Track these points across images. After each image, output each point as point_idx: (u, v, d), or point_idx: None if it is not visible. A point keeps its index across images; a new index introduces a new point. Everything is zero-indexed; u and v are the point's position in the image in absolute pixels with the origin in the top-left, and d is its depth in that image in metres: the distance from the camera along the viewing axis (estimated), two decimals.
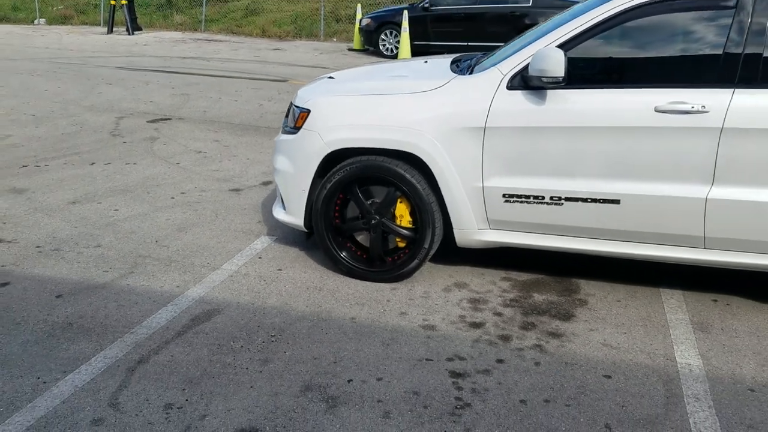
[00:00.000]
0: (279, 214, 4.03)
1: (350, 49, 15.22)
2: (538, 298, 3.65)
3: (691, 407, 2.70)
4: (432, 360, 3.01)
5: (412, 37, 12.91)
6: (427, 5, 13.08)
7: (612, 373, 2.94)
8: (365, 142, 3.58)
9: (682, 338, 3.23)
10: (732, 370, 2.97)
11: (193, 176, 5.79)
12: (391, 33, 13.59)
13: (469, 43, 12.06)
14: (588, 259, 4.02)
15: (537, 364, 3.01)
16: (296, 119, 3.81)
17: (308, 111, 3.75)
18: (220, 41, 16.77)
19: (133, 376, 2.84)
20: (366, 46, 14.45)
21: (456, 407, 2.68)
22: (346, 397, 2.74)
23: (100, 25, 20.76)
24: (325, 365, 2.96)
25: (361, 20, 14.47)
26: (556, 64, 3.16)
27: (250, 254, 4.16)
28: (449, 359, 3.02)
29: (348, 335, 3.21)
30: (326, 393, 2.76)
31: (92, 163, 6.15)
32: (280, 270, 3.94)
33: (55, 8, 23.72)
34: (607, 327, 3.34)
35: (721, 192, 3.17)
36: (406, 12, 12.87)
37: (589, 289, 3.76)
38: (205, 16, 19.71)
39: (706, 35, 3.20)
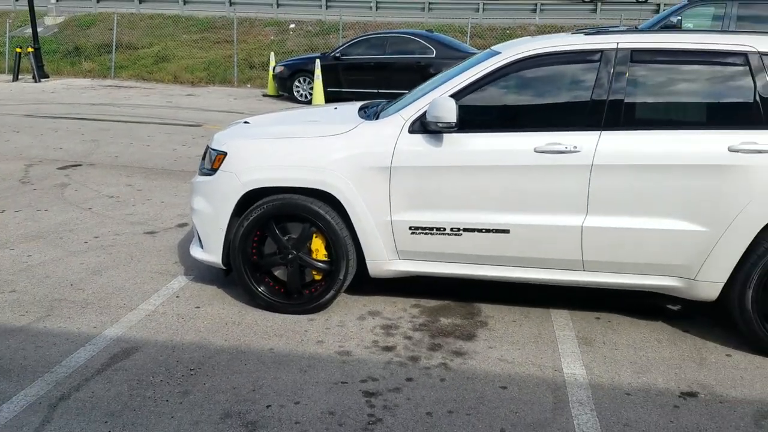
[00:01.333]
0: (197, 252, 4.17)
1: (265, 95, 15.47)
2: (444, 321, 3.96)
3: (575, 411, 3.05)
4: (347, 382, 3.23)
5: (325, 84, 13.35)
6: (338, 55, 13.59)
7: (507, 385, 3.26)
8: (281, 182, 3.83)
9: (569, 352, 3.60)
10: (611, 377, 3.35)
11: (106, 221, 5.80)
12: (304, 80, 13.97)
13: (380, 90, 12.59)
14: (488, 285, 4.37)
15: (442, 380, 3.29)
16: (213, 161, 4.01)
17: (225, 153, 3.96)
18: (131, 87, 16.61)
19: (55, 412, 2.90)
20: (280, 92, 14.76)
21: (369, 423, 2.90)
22: (264, 421, 2.90)
23: (5, 72, 20.07)
24: (244, 393, 3.12)
25: (274, 68, 14.80)
26: (449, 112, 3.54)
27: (167, 294, 4.26)
28: (363, 381, 3.25)
29: (266, 365, 3.39)
30: (245, 419, 2.92)
31: (2, 211, 6.05)
32: (198, 307, 4.07)
33: None
34: (504, 344, 3.68)
35: (594, 220, 3.61)
36: (318, 60, 13.32)
37: (489, 311, 4.11)
38: (115, 62, 19.47)
39: (576, 85, 3.68)
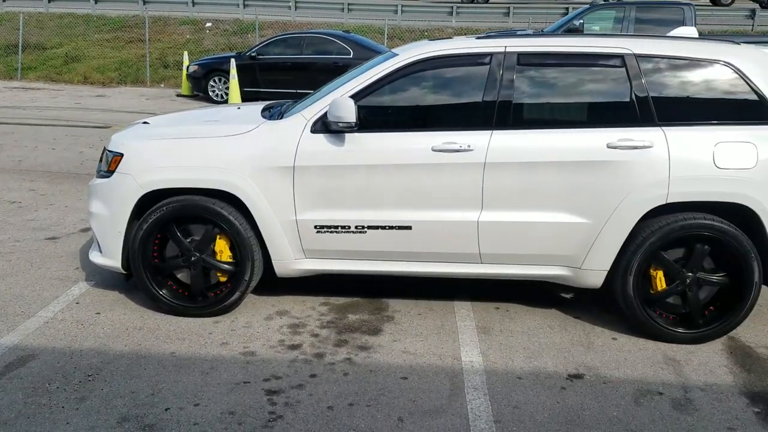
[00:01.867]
0: (96, 257, 4.08)
1: (179, 95, 15.12)
2: (351, 318, 4.04)
3: (470, 396, 3.19)
4: (249, 382, 3.26)
5: (242, 84, 13.18)
6: (254, 54, 13.46)
7: (408, 375, 3.37)
8: (181, 183, 3.80)
9: (468, 341, 3.76)
10: (506, 363, 3.52)
11: (6, 227, 5.56)
12: (219, 80, 13.76)
13: (298, 91, 12.55)
14: (396, 280, 4.48)
15: (345, 374, 3.37)
16: (110, 163, 3.93)
17: (121, 155, 3.90)
18: (38, 89, 15.85)
19: None
20: (195, 92, 14.46)
21: (269, 420, 2.94)
22: (162, 424, 2.89)
23: None
24: (143, 397, 3.09)
25: (188, 67, 14.49)
26: (349, 112, 3.62)
27: (67, 300, 4.15)
28: (266, 380, 3.29)
29: (167, 368, 3.36)
30: (143, 422, 2.90)
31: None
32: (98, 313, 3.98)
33: None
34: (407, 337, 3.80)
35: (489, 215, 3.78)
36: (233, 60, 13.14)
37: (396, 306, 4.22)
38: (22, 63, 18.51)
39: (469, 87, 3.84)
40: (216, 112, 4.53)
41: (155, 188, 3.81)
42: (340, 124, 3.68)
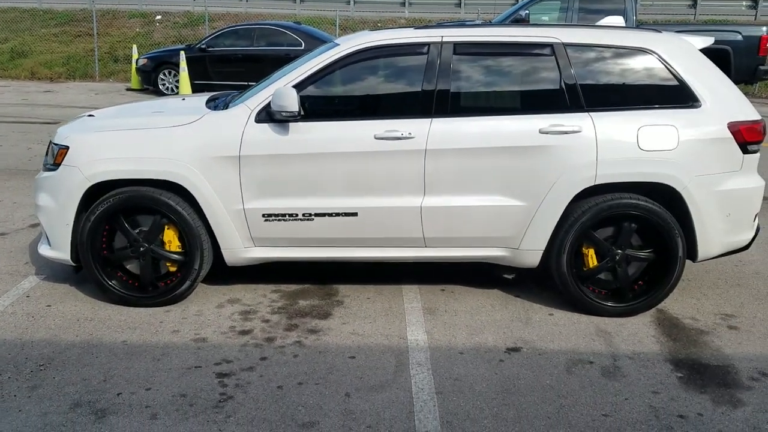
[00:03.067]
0: (45, 250, 4.10)
1: (129, 89, 14.92)
2: (302, 303, 4.16)
3: (414, 371, 3.35)
4: (201, 367, 3.35)
5: (193, 77, 13.09)
6: (203, 46, 13.37)
7: (356, 354, 3.52)
8: (127, 174, 3.85)
9: (414, 321, 3.92)
10: (448, 340, 3.70)
11: None
12: (169, 73, 13.62)
13: (249, 83, 12.50)
14: (347, 266, 4.62)
15: (295, 356, 3.49)
16: (55, 156, 3.95)
17: (67, 147, 3.92)
18: None
19: None
20: (145, 86, 14.30)
21: (219, 401, 3.05)
22: (115, 408, 2.97)
23: None
24: (95, 384, 3.16)
25: (137, 60, 14.30)
26: (291, 101, 3.73)
27: (17, 294, 4.16)
28: (217, 363, 3.39)
29: (119, 356, 3.43)
30: (95, 407, 2.97)
31: None
32: (49, 306, 4.01)
33: None
34: (356, 319, 3.94)
35: (431, 200, 3.94)
36: (182, 53, 13.03)
37: (346, 291, 4.36)
38: None
39: (409, 76, 3.98)
40: (161, 104, 4.57)
41: (101, 180, 3.85)
42: (283, 114, 3.79)
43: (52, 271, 4.53)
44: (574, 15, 12.15)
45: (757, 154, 4.00)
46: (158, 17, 23.61)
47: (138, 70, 14.22)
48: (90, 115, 4.39)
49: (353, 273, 4.59)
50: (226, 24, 19.27)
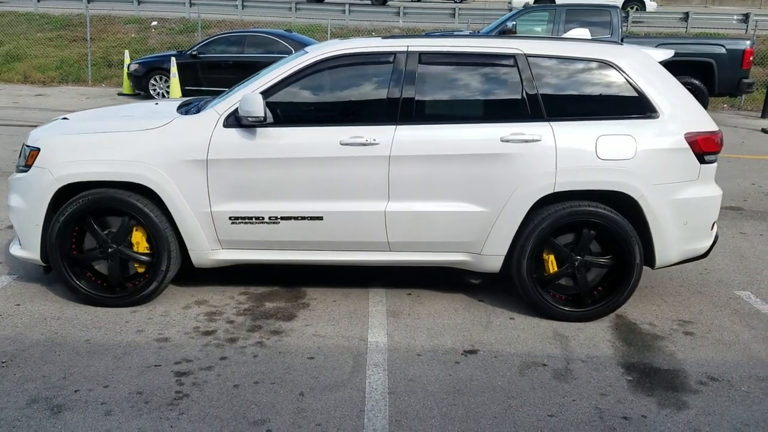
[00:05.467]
0: (16, 250, 4.17)
1: (120, 94, 14.99)
2: (269, 305, 4.23)
3: (370, 372, 3.42)
4: (160, 365, 3.42)
5: (184, 83, 13.19)
6: (194, 53, 13.48)
7: (315, 355, 3.59)
8: (95, 176, 3.93)
9: (377, 324, 3.99)
10: (408, 342, 3.77)
11: None
12: (160, 78, 13.72)
13: None
14: (316, 269, 4.69)
15: (255, 356, 3.56)
16: (27, 158, 4.03)
17: (38, 149, 4.00)
18: None
19: None
20: (137, 91, 14.37)
21: (175, 399, 3.11)
22: (71, 404, 3.04)
23: None
24: (54, 381, 3.22)
25: (129, 65, 14.39)
26: (257, 106, 3.82)
27: None
28: (177, 362, 3.45)
29: (81, 354, 3.50)
30: (52, 403, 3.04)
31: None
32: (18, 305, 4.08)
33: None
34: (320, 322, 4.01)
35: (395, 206, 4.02)
36: (173, 59, 13.14)
37: (313, 294, 4.43)
38: None
39: (375, 83, 4.07)
40: (134, 108, 4.66)
41: (71, 182, 3.93)
42: (250, 119, 3.87)
43: (25, 272, 4.59)
44: (561, 27, 12.29)
45: (714, 164, 4.09)
46: (154, 23, 23.75)
47: (129, 75, 14.31)
48: (64, 118, 4.47)
49: (322, 276, 4.66)
50: (221, 31, 19.42)
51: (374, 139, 3.96)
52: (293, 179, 4.00)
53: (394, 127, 3.99)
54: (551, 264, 4.08)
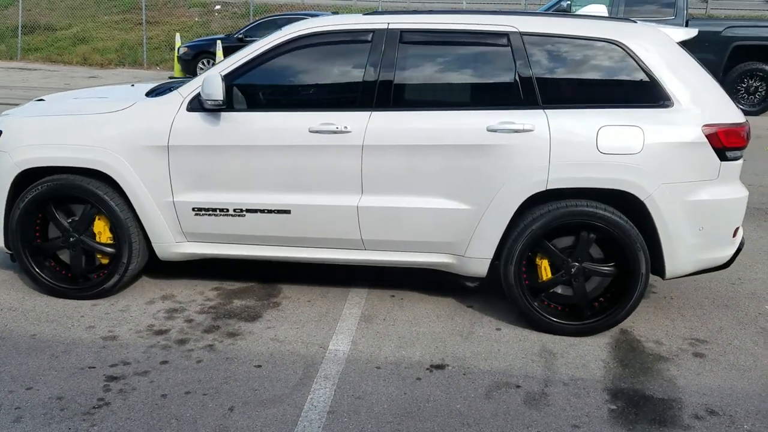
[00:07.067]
0: None
1: (171, 77, 15.14)
2: (237, 303, 3.95)
3: (316, 385, 3.08)
4: (95, 367, 3.19)
5: None
6: (241, 36, 13.41)
7: (264, 363, 3.27)
8: (52, 161, 3.74)
9: (345, 329, 3.64)
10: (372, 352, 3.40)
11: None
12: (208, 62, 13.75)
13: None
14: (296, 266, 4.38)
15: (199, 362, 3.28)
16: None
17: (0, 132, 3.85)
18: (34, 69, 16.05)
19: None
20: (186, 75, 14.47)
21: (93, 407, 2.87)
22: None
23: None
24: None
25: (179, 49, 14.50)
26: (217, 89, 3.51)
27: None
28: (113, 365, 3.22)
29: (20, 351, 3.32)
30: None
31: None
32: None
33: None
34: (284, 324, 3.69)
35: (369, 200, 3.64)
36: (219, 42, 13.10)
37: (289, 292, 4.12)
38: (22, 44, 18.73)
39: (350, 65, 3.69)
40: (110, 90, 4.46)
41: (29, 167, 3.75)
42: (210, 102, 3.57)
43: (2, 259, 4.49)
44: (621, 5, 11.43)
45: (739, 162, 3.50)
46: (217, 7, 24.04)
47: (179, 58, 14.42)
48: (40, 100, 4.32)
49: (303, 273, 4.34)
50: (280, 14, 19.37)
51: (346, 127, 3.58)
52: (259, 169, 3.68)
53: (369, 113, 3.60)
54: (545, 270, 3.61)
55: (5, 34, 20.86)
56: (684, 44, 3.69)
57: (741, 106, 11.18)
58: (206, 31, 20.34)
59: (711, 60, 11.04)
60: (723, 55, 10.93)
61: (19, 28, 19.06)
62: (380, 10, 4.20)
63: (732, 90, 11.14)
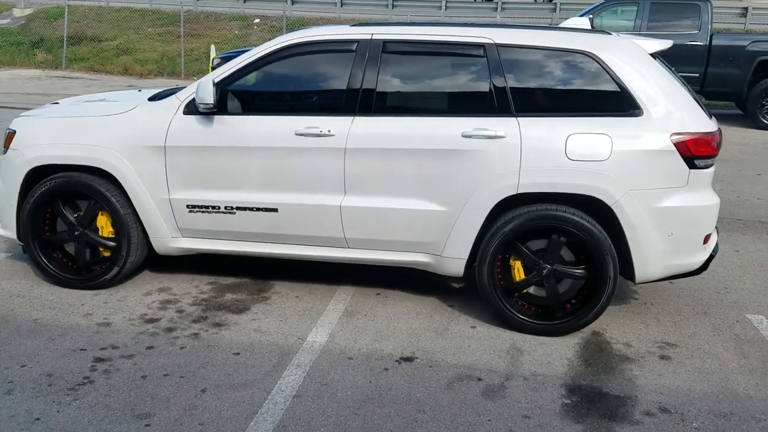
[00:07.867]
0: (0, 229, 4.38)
1: None
2: (228, 297, 4.17)
3: (287, 372, 3.27)
4: (86, 350, 3.44)
5: None
6: None
7: (242, 351, 3.48)
8: (60, 159, 4.03)
9: (326, 323, 3.82)
10: (347, 344, 3.57)
11: None
12: None
13: None
14: (290, 263, 4.57)
15: (182, 348, 3.50)
16: (5, 140, 4.22)
17: (14, 132, 4.18)
18: (76, 78, 16.77)
19: None
20: None
21: (78, 384, 3.11)
22: None
23: None
24: None
25: (213, 59, 14.97)
26: (208, 94, 3.76)
27: None
28: (102, 348, 3.46)
29: (20, 333, 3.59)
30: None
31: None
32: None
33: None
34: (269, 317, 3.89)
35: (351, 200, 3.83)
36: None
37: (280, 288, 4.32)
38: (67, 54, 19.59)
39: (335, 72, 3.89)
40: (118, 95, 4.77)
41: (39, 164, 4.06)
42: (202, 106, 3.82)
43: (20, 250, 4.81)
44: (644, 23, 11.42)
45: (710, 170, 3.57)
46: (256, 20, 24.65)
47: (213, 68, 14.89)
48: (55, 103, 4.65)
49: (295, 270, 4.54)
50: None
51: (329, 131, 3.78)
52: (248, 169, 3.91)
53: (351, 118, 3.79)
54: (518, 271, 3.73)
55: (54, 44, 21.83)
56: (661, 55, 3.79)
57: (766, 120, 11.03)
58: (245, 44, 20.87)
59: (736, 75, 10.95)
60: (748, 70, 10.80)
61: (65, 38, 19.94)
62: (370, 21, 4.38)
63: (757, 104, 10.99)
